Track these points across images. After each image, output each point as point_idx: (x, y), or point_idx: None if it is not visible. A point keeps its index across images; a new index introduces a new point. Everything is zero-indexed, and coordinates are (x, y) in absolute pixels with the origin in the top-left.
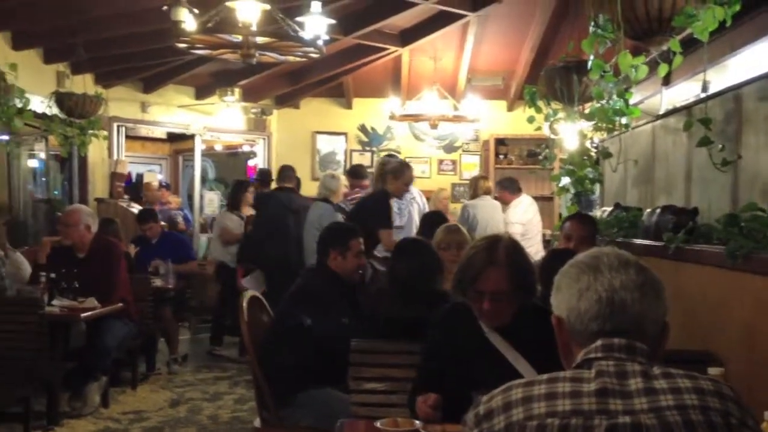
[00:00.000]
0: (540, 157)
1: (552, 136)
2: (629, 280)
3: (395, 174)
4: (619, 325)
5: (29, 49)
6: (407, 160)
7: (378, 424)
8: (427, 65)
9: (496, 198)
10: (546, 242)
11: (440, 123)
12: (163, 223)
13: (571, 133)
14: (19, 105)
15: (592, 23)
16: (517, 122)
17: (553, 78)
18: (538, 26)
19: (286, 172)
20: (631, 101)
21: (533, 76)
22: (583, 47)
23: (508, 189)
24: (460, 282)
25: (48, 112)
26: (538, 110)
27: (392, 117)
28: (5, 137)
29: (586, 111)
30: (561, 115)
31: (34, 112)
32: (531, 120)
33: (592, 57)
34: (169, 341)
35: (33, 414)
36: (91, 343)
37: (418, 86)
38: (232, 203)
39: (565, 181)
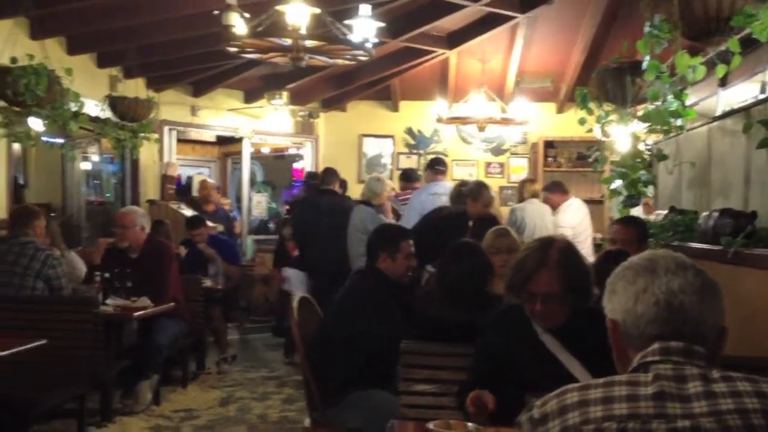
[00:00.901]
0: (590, 160)
1: (603, 139)
2: (687, 283)
3: (474, 196)
4: (677, 328)
5: (83, 53)
6: (454, 162)
7: (430, 425)
8: (475, 67)
9: (544, 201)
10: (596, 246)
11: (488, 125)
12: (211, 224)
13: (623, 135)
14: (74, 109)
15: (648, 23)
16: (567, 124)
17: (606, 79)
18: (589, 27)
19: (327, 175)
20: (687, 102)
21: (584, 78)
22: (638, 48)
23: (557, 192)
24: (512, 283)
25: (101, 115)
26: (590, 112)
27: (439, 120)
28: (60, 140)
29: (639, 113)
30: (613, 117)
31: (89, 115)
32: (582, 122)
33: (647, 58)
34: (219, 341)
35: (87, 411)
36: (144, 342)
37: (465, 89)
38: None
39: (617, 183)
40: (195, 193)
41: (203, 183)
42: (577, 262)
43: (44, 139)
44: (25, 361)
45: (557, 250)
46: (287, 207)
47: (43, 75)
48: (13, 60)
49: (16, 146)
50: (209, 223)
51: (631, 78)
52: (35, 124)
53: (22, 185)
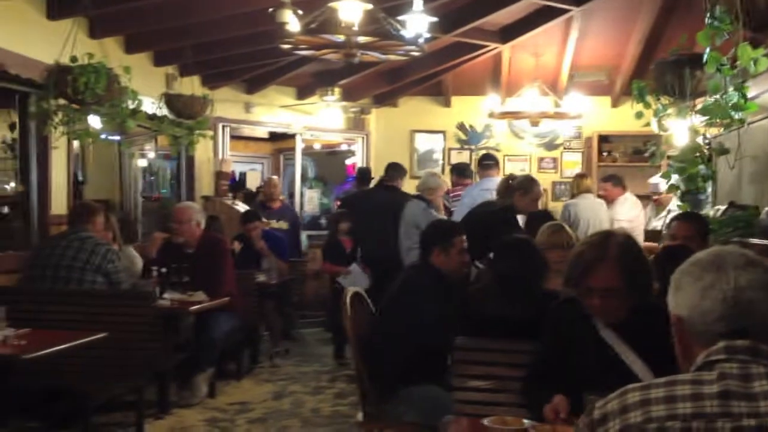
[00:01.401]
0: (647, 155)
1: (660, 133)
2: (756, 280)
3: (524, 190)
4: (744, 326)
5: (140, 52)
6: (506, 158)
7: (485, 421)
8: (528, 62)
9: (599, 196)
10: None
11: (541, 120)
12: (275, 223)
13: (682, 129)
14: (132, 106)
15: (708, 14)
16: (622, 118)
17: (664, 72)
18: (645, 18)
19: (388, 170)
20: (748, 95)
21: (640, 71)
22: (699, 40)
23: (614, 185)
24: (570, 277)
25: (158, 113)
26: (647, 106)
27: (491, 115)
28: (117, 138)
29: (698, 106)
30: (671, 110)
31: (146, 113)
32: (639, 116)
33: (707, 50)
34: (272, 335)
35: (145, 403)
36: (199, 336)
37: (518, 83)
38: None
39: (675, 178)
40: (251, 188)
41: (269, 180)
42: (638, 256)
43: (102, 136)
44: (85, 354)
45: (616, 244)
46: (338, 202)
47: (102, 73)
48: (73, 59)
49: (75, 144)
50: (273, 221)
51: (690, 71)
52: (94, 121)
53: (81, 182)
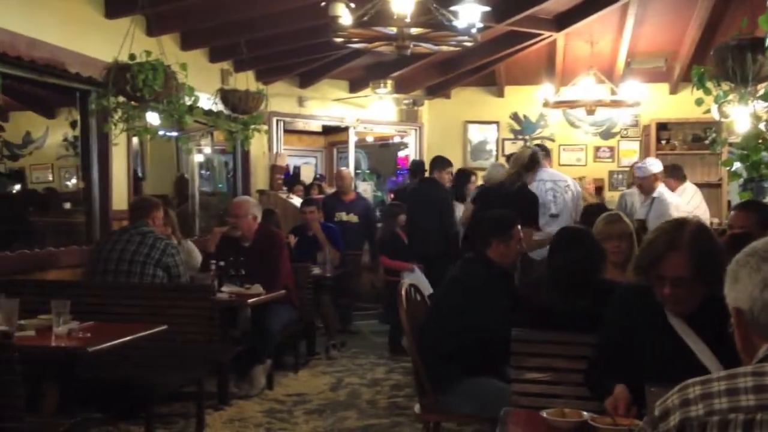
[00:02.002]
0: (707, 142)
1: (721, 119)
2: None
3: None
4: None
5: (196, 49)
6: (561, 147)
7: (544, 414)
8: (584, 49)
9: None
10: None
11: (597, 108)
12: (344, 216)
13: (743, 115)
14: (189, 102)
15: None
16: (681, 105)
17: (725, 57)
18: (704, 3)
19: (434, 163)
20: None
21: (699, 57)
22: (761, 23)
23: (672, 176)
24: (640, 265)
25: (214, 108)
26: (707, 92)
27: (546, 104)
28: (174, 134)
29: (761, 91)
30: (732, 96)
31: (202, 108)
32: (699, 102)
33: None
34: (328, 327)
35: (205, 394)
36: (257, 328)
37: (573, 71)
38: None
39: (737, 166)
40: (305, 181)
41: (340, 172)
42: (711, 245)
43: (160, 133)
44: (147, 346)
45: (689, 233)
46: (392, 195)
47: (159, 70)
48: (132, 57)
49: (134, 140)
50: (343, 214)
51: (752, 55)
52: (152, 118)
53: (140, 178)
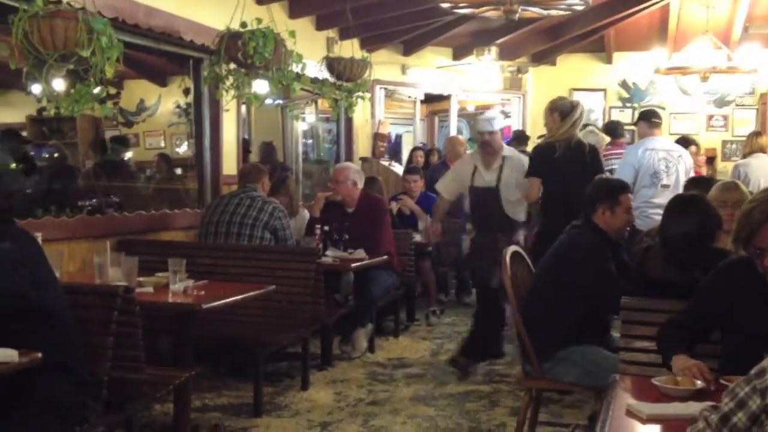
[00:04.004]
0: None
1: None
2: None
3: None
4: None
5: (303, 17)
6: (672, 116)
7: (655, 381)
8: (699, 13)
9: None
10: None
11: (711, 75)
12: None
13: None
14: (297, 70)
15: None
16: None
17: None
18: None
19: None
20: None
21: None
22: None
23: None
24: (738, 236)
25: (319, 76)
26: None
27: (657, 71)
28: (279, 102)
29: None
30: None
31: (309, 76)
32: None
33: None
34: (428, 294)
35: (310, 355)
36: (360, 292)
37: (686, 37)
38: None
39: None
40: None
41: (452, 139)
42: None
43: (268, 101)
44: (255, 306)
45: None
46: None
47: (270, 38)
48: (243, 24)
49: (242, 108)
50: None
51: None
52: (261, 85)
53: (249, 151)
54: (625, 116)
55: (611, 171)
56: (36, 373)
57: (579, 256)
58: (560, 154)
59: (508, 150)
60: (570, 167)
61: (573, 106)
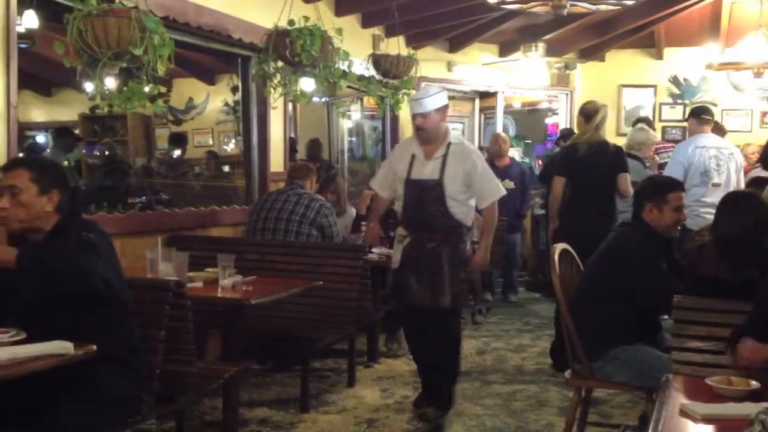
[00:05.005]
0: None
1: None
2: None
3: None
4: None
5: (349, 14)
6: (724, 112)
7: (710, 381)
8: (752, 7)
9: None
10: None
11: (765, 71)
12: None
13: None
14: (344, 67)
15: None
16: None
17: None
18: None
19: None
20: None
21: None
22: None
23: None
24: None
25: (365, 73)
26: None
27: (709, 66)
28: (324, 99)
29: None
30: None
31: (355, 74)
32: None
33: None
34: (474, 292)
35: (356, 351)
36: None
37: (739, 31)
38: None
39: None
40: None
41: (496, 136)
42: None
43: (314, 99)
44: (303, 302)
45: None
46: (540, 162)
47: (317, 36)
48: (290, 22)
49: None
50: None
51: None
52: (308, 83)
53: (296, 151)
54: (676, 113)
55: (663, 166)
56: (94, 364)
57: (628, 254)
58: (583, 155)
59: (456, 137)
60: (592, 167)
61: (596, 110)
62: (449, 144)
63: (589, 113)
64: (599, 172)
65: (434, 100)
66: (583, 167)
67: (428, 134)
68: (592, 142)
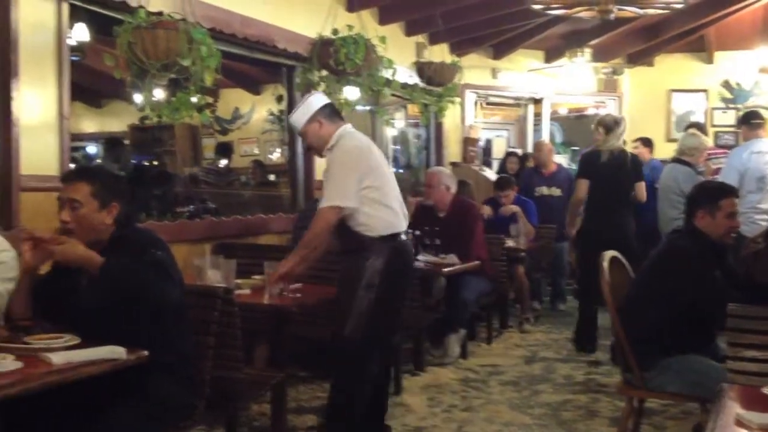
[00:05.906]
0: None
1: None
2: None
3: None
4: None
5: (393, 23)
6: None
7: (766, 390)
8: None
9: None
10: None
11: None
12: (545, 190)
13: None
14: (388, 75)
15: None
16: None
17: None
18: None
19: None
20: None
21: None
22: None
23: None
24: None
25: (409, 81)
26: None
27: (762, 70)
28: (367, 108)
29: None
30: None
31: (399, 82)
32: None
33: None
34: (521, 300)
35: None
36: (452, 297)
37: None
38: None
39: None
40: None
41: (537, 144)
42: None
43: (358, 108)
44: None
45: None
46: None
47: (360, 44)
48: (334, 31)
49: None
50: (544, 188)
51: None
52: (352, 92)
53: None
54: (729, 118)
55: (718, 171)
56: (146, 370)
57: (679, 261)
58: (604, 161)
59: (338, 135)
60: (612, 173)
61: (617, 122)
62: (332, 147)
63: (609, 125)
64: (619, 179)
65: (301, 114)
66: (605, 173)
67: (317, 149)
68: (613, 150)
